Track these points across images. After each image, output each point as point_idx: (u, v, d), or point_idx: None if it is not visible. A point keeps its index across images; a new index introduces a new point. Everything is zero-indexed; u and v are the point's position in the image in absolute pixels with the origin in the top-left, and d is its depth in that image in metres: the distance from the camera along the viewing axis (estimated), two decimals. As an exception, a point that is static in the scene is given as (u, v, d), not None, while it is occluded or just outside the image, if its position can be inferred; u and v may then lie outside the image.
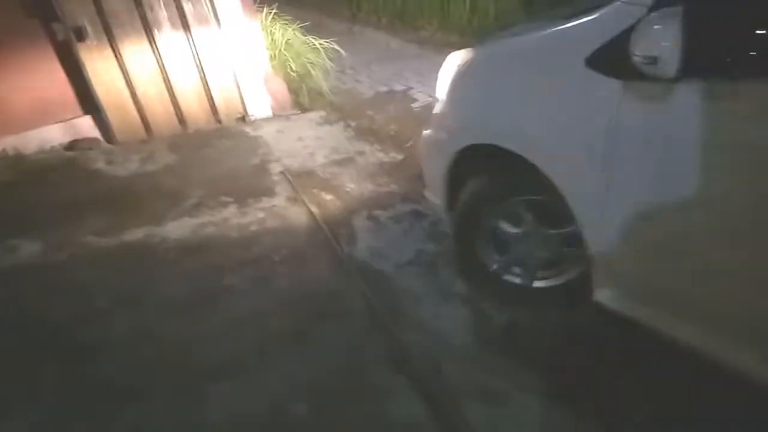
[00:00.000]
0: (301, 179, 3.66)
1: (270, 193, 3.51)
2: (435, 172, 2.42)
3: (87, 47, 4.26)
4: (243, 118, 5.05)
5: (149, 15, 4.39)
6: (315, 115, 5.07)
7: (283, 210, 3.28)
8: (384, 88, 5.77)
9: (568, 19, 1.70)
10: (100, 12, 4.21)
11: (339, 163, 3.92)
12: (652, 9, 1.34)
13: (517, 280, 2.25)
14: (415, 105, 5.15)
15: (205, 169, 4.02)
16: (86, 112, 4.61)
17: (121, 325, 2.37)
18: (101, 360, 2.19)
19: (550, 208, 1.91)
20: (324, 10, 10.31)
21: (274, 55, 5.35)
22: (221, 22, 4.64)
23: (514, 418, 1.76)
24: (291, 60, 5.48)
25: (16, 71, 4.23)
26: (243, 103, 5.02)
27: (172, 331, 2.30)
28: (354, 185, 3.53)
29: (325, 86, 5.50)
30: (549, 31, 1.79)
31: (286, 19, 5.77)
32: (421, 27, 8.04)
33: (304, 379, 1.99)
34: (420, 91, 5.47)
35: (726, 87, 1.29)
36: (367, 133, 4.49)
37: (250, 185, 3.64)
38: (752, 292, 1.38)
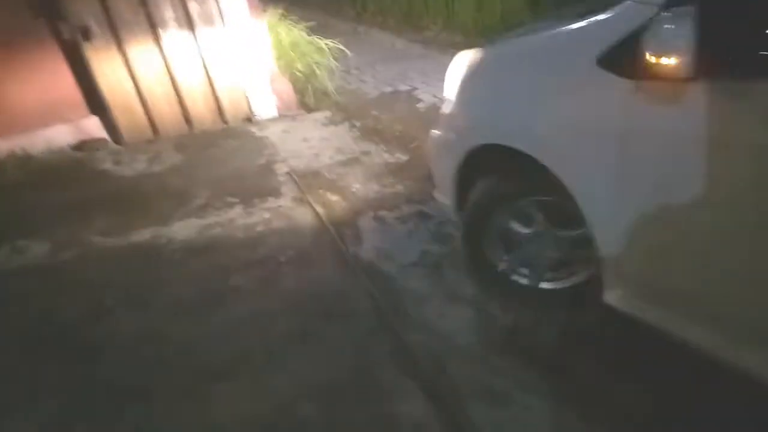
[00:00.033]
0: (307, 180, 3.67)
1: (276, 193, 3.53)
2: (444, 173, 2.42)
3: (93, 47, 4.28)
4: (249, 119, 5.06)
5: (155, 15, 4.41)
6: (320, 116, 5.09)
7: (289, 210, 3.29)
8: (389, 89, 5.78)
9: (579, 18, 1.70)
10: (106, 12, 4.23)
11: (344, 163, 3.93)
12: (663, 8, 1.33)
13: (525, 281, 2.26)
14: (420, 105, 5.16)
15: (211, 169, 4.03)
16: (93, 112, 4.64)
17: (127, 325, 2.38)
18: (106, 360, 2.20)
19: (561, 208, 1.91)
20: (329, 10, 10.34)
21: (280, 55, 5.36)
22: (227, 22, 4.66)
23: (518, 419, 1.76)
24: (296, 60, 5.49)
25: (23, 72, 4.26)
26: (249, 103, 5.03)
27: (178, 331, 2.31)
28: (359, 186, 3.54)
29: (330, 86, 5.51)
30: (559, 30, 1.79)
31: (292, 19, 5.79)
32: (426, 27, 8.05)
33: (310, 379, 2.00)
34: (425, 92, 5.47)
35: (739, 87, 1.28)
36: (372, 134, 4.49)
37: (256, 186, 3.66)
38: (764, 293, 1.38)
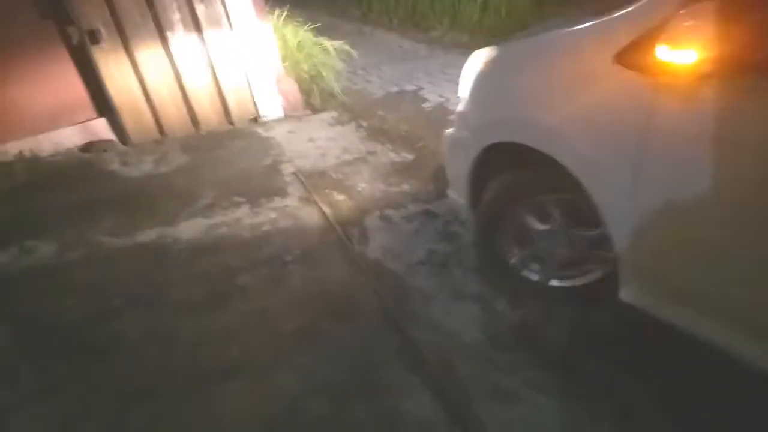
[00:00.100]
0: (313, 179, 3.67)
1: (282, 193, 3.53)
2: (458, 171, 2.42)
3: (101, 50, 4.30)
4: (255, 119, 5.07)
5: (162, 17, 4.42)
6: (326, 116, 5.09)
7: (295, 210, 3.29)
8: (395, 89, 5.78)
9: (594, 16, 1.69)
10: (114, 14, 4.25)
11: (351, 163, 3.93)
12: (683, 4, 1.32)
13: (535, 277, 2.26)
14: (426, 105, 5.16)
15: (217, 169, 4.04)
16: (101, 114, 4.66)
17: (134, 325, 2.39)
18: (114, 359, 2.21)
19: (577, 206, 1.90)
20: (334, 11, 10.37)
21: (286, 56, 5.38)
22: (233, 23, 4.67)
23: (526, 416, 1.76)
24: (302, 61, 5.50)
25: (32, 74, 4.28)
26: (255, 104, 5.04)
27: (185, 331, 2.31)
28: (366, 185, 3.53)
29: (336, 87, 5.52)
30: (576, 28, 1.77)
31: (298, 21, 5.81)
32: (431, 27, 8.05)
33: (317, 377, 1.99)
34: (431, 92, 5.47)
35: (759, 84, 1.27)
36: (378, 134, 4.49)
37: (263, 186, 3.66)
38: None
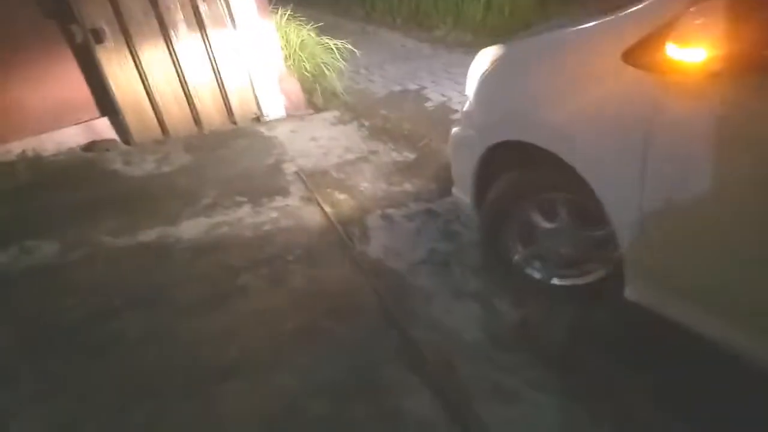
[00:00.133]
0: (315, 179, 3.67)
1: (284, 192, 3.53)
2: (464, 170, 2.42)
3: (105, 49, 4.31)
4: (258, 119, 5.08)
5: (165, 16, 4.43)
6: (329, 115, 5.09)
7: (297, 209, 3.29)
8: (398, 88, 5.77)
9: (599, 16, 1.68)
10: (118, 14, 4.26)
11: (353, 162, 3.92)
12: (693, 2, 1.31)
13: (537, 275, 2.26)
14: (428, 104, 5.15)
15: (219, 169, 4.04)
16: (103, 113, 4.67)
17: (135, 325, 2.39)
18: (114, 359, 2.21)
19: (582, 205, 1.90)
20: (338, 10, 10.38)
21: (289, 56, 5.38)
22: (236, 23, 4.67)
23: (526, 416, 1.75)
24: (305, 60, 5.50)
25: (35, 73, 4.30)
26: (258, 103, 5.05)
27: (186, 330, 2.31)
28: (368, 184, 3.53)
29: (339, 86, 5.52)
30: (583, 27, 1.76)
31: (301, 20, 5.81)
32: (434, 26, 8.04)
33: (317, 377, 1.99)
34: (433, 91, 5.45)
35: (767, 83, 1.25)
36: (380, 133, 4.49)
37: (265, 185, 3.66)
38: None
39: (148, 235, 3.14)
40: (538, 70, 1.96)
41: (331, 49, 5.59)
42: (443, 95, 5.26)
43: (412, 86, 5.72)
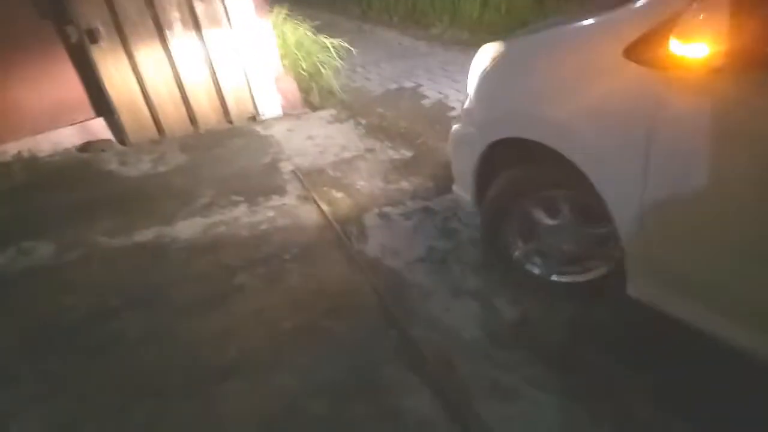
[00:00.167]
0: (312, 177, 3.66)
1: (281, 191, 3.52)
2: (464, 167, 2.42)
3: (100, 49, 4.29)
4: (254, 118, 5.06)
5: (161, 16, 4.41)
6: (325, 114, 5.08)
7: (293, 208, 3.28)
8: (394, 86, 5.77)
9: (598, 12, 1.67)
10: (113, 14, 4.24)
11: (349, 161, 3.92)
12: None
13: (537, 271, 2.26)
14: (425, 102, 5.14)
15: (216, 168, 4.03)
16: (99, 113, 4.65)
17: (134, 325, 2.38)
18: (113, 360, 2.20)
19: (584, 202, 1.89)
20: (334, 8, 10.36)
21: (285, 55, 5.36)
22: (233, 22, 4.66)
23: (526, 414, 1.75)
24: (302, 59, 5.48)
25: (30, 74, 4.27)
26: (254, 102, 5.03)
27: (184, 331, 2.30)
28: (364, 183, 3.52)
29: (335, 85, 5.51)
30: (584, 23, 1.75)
31: (297, 18, 5.79)
32: (431, 24, 8.04)
33: (316, 376, 1.98)
34: (430, 89, 5.45)
35: None
36: (377, 131, 4.48)
37: (261, 184, 3.65)
38: None
39: (145, 235, 3.12)
40: (539, 67, 1.95)
41: (328, 47, 5.57)
42: (440, 93, 5.25)
43: (409, 84, 5.71)
